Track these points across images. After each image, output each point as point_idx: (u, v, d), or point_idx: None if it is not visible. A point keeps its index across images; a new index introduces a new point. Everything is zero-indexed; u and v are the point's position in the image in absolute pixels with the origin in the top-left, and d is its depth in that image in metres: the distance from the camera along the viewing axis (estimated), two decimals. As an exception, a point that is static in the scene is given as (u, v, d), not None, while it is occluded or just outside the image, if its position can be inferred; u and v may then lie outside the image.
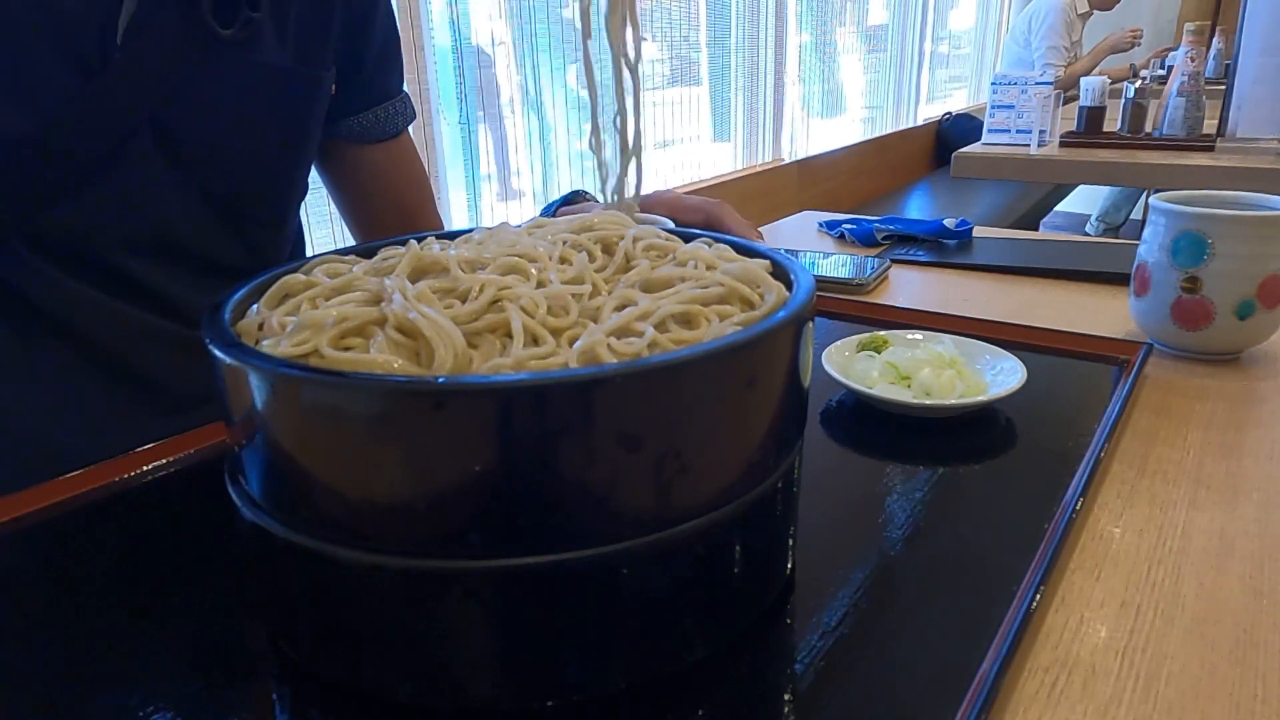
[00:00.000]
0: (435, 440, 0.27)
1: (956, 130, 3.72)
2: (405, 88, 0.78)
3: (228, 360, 0.29)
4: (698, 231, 0.45)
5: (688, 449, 0.29)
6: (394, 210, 0.81)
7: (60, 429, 0.60)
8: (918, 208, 3.02)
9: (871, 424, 0.55)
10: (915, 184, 3.47)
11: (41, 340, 0.60)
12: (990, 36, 4.61)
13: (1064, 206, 4.02)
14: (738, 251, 0.41)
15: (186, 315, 0.64)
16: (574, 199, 0.78)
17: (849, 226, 1.06)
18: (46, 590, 0.42)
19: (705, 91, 2.49)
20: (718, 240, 0.43)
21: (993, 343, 0.60)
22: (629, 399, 0.28)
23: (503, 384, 0.26)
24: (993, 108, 1.90)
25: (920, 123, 3.88)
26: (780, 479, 0.34)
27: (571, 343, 0.32)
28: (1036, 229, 2.98)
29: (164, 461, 0.52)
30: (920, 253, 0.97)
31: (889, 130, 3.62)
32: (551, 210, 0.76)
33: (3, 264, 0.57)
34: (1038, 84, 1.81)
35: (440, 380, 0.27)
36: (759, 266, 0.37)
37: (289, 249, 0.74)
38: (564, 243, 0.39)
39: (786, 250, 0.99)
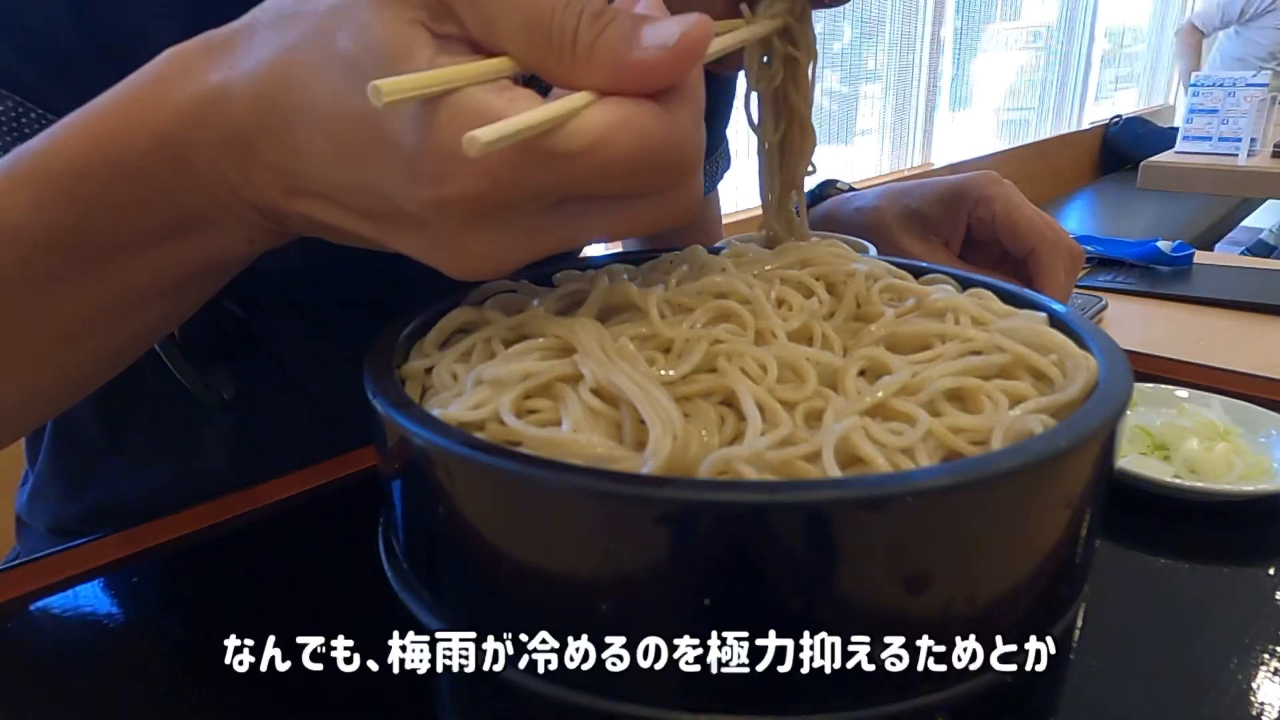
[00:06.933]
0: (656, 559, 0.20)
1: (1127, 135, 3.40)
2: None
3: (395, 424, 0.24)
4: (930, 266, 0.37)
5: (982, 589, 0.22)
6: None
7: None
8: (1078, 221, 2.76)
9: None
10: (1076, 193, 3.19)
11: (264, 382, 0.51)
12: (1168, 31, 4.20)
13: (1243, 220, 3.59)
14: (1000, 297, 0.32)
15: None
16: (825, 191, 0.63)
17: (1039, 246, 0.93)
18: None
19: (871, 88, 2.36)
20: (965, 281, 0.35)
21: (1272, 407, 0.49)
22: (926, 522, 0.20)
23: (755, 499, 0.20)
24: (1191, 112, 1.69)
25: (1085, 126, 3.58)
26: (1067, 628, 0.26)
27: (808, 420, 0.25)
28: (1212, 249, 2.66)
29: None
30: (1129, 280, 0.84)
31: (1049, 134, 3.34)
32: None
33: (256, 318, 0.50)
34: (1250, 85, 1.59)
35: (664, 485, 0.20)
36: (1044, 324, 0.29)
37: None
38: (779, 280, 0.32)
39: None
